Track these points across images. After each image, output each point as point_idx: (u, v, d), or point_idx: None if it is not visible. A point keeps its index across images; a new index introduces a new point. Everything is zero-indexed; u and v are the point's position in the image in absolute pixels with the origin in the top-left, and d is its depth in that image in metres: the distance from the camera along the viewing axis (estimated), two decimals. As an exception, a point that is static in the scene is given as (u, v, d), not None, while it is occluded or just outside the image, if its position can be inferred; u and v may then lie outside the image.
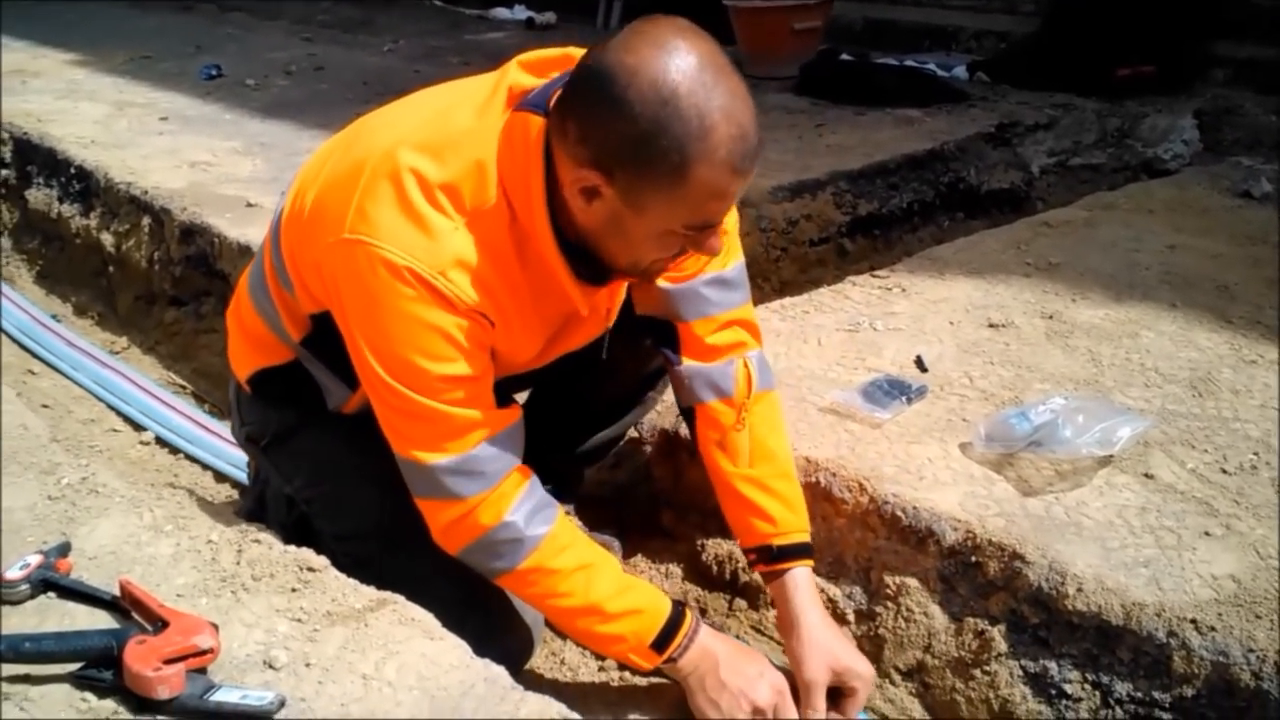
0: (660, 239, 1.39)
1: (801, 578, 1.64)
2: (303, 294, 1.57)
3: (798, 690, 1.57)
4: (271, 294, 1.65)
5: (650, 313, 1.70)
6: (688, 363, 1.70)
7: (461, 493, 1.49)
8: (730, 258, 1.68)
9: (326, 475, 1.74)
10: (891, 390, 1.98)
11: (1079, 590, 1.53)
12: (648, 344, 1.76)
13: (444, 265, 1.39)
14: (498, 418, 1.50)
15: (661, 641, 1.52)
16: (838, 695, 1.59)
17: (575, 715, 1.31)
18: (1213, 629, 1.44)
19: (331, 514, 1.76)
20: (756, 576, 1.86)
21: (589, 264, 1.48)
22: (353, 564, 1.61)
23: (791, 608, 1.62)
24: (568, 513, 2.08)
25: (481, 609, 1.67)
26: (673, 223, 1.36)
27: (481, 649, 1.48)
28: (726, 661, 1.55)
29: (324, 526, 1.76)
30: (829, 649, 1.58)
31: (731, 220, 1.64)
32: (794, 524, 1.66)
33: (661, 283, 1.63)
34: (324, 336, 1.56)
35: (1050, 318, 2.29)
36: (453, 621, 1.53)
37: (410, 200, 1.39)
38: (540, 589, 1.54)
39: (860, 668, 1.59)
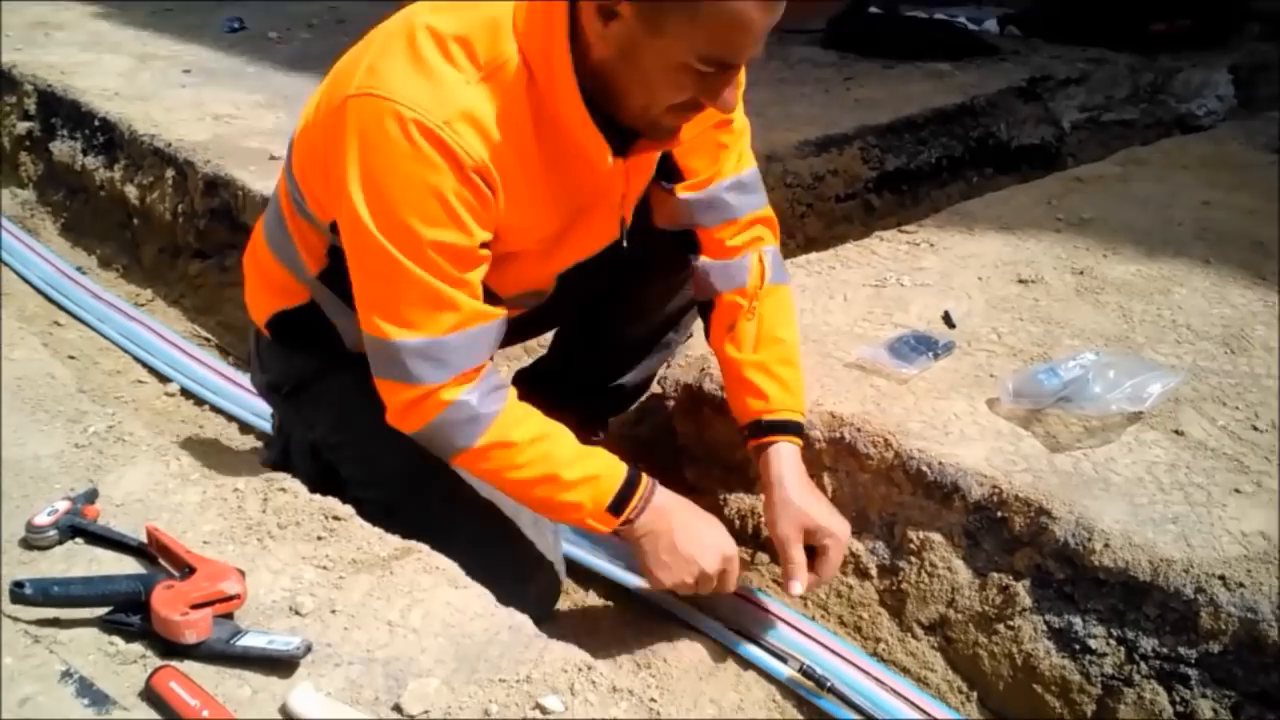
0: (675, 74, 1.35)
1: (785, 449, 1.66)
2: (315, 208, 1.55)
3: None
4: (288, 227, 1.64)
5: (671, 225, 1.72)
6: (705, 260, 1.72)
7: (423, 378, 1.46)
8: (744, 163, 1.71)
9: (349, 422, 1.73)
10: (918, 346, 1.96)
11: (1106, 546, 1.51)
12: (666, 282, 1.77)
13: (450, 116, 1.35)
14: (478, 310, 1.47)
15: (618, 505, 1.52)
16: (814, 555, 1.61)
17: (599, 663, 1.32)
18: (1241, 585, 1.43)
19: (356, 461, 1.76)
20: (779, 531, 1.86)
21: (605, 129, 1.44)
22: (379, 511, 1.62)
23: (770, 473, 1.64)
24: None
25: (509, 552, 1.68)
26: (689, 53, 1.31)
27: (511, 591, 1.49)
28: (681, 527, 1.55)
29: (349, 474, 1.76)
30: (801, 508, 1.61)
31: (741, 120, 1.69)
32: (787, 403, 1.69)
33: (682, 193, 1.65)
34: (341, 268, 1.54)
35: (1081, 273, 2.26)
36: (481, 565, 1.54)
37: (422, 53, 1.37)
38: (498, 463, 1.52)
39: (833, 526, 1.61)
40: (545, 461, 1.51)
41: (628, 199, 1.64)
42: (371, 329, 1.47)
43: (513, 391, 1.55)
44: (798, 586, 1.58)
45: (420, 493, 1.67)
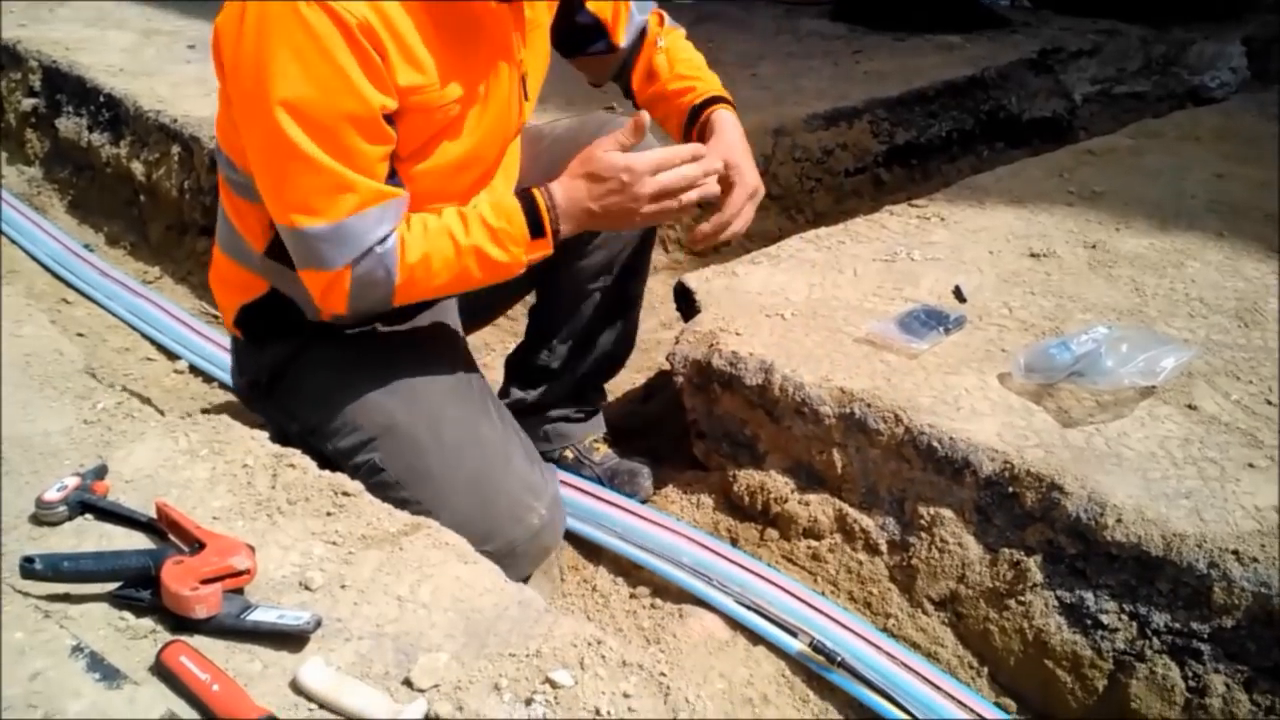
0: None
1: (724, 113, 1.82)
2: (243, 163, 1.59)
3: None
4: (230, 216, 1.69)
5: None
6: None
7: (333, 262, 1.52)
8: None
9: (325, 396, 1.76)
10: (929, 320, 1.94)
11: (1118, 521, 1.50)
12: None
13: None
14: (377, 191, 1.51)
15: (537, 228, 1.59)
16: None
17: (608, 637, 1.32)
18: (1255, 560, 1.42)
19: (339, 432, 1.77)
20: (788, 507, 1.86)
21: None
22: (367, 476, 1.66)
23: (710, 126, 1.79)
24: (596, 439, 2.09)
25: (499, 493, 1.71)
26: None
27: (515, 523, 1.59)
28: (587, 193, 1.60)
29: (337, 447, 1.78)
30: (731, 145, 1.76)
31: None
32: (715, 86, 1.87)
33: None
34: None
35: (1093, 247, 2.24)
36: (481, 500, 1.62)
37: None
38: (423, 284, 1.58)
39: (746, 172, 1.75)
40: (457, 249, 1.56)
41: (526, 62, 1.69)
42: (282, 221, 1.52)
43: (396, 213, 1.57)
44: (646, 117, 1.62)
45: (402, 449, 1.70)
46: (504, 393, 2.16)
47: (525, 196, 1.60)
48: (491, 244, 1.57)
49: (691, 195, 1.64)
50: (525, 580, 1.72)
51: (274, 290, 1.71)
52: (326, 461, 1.78)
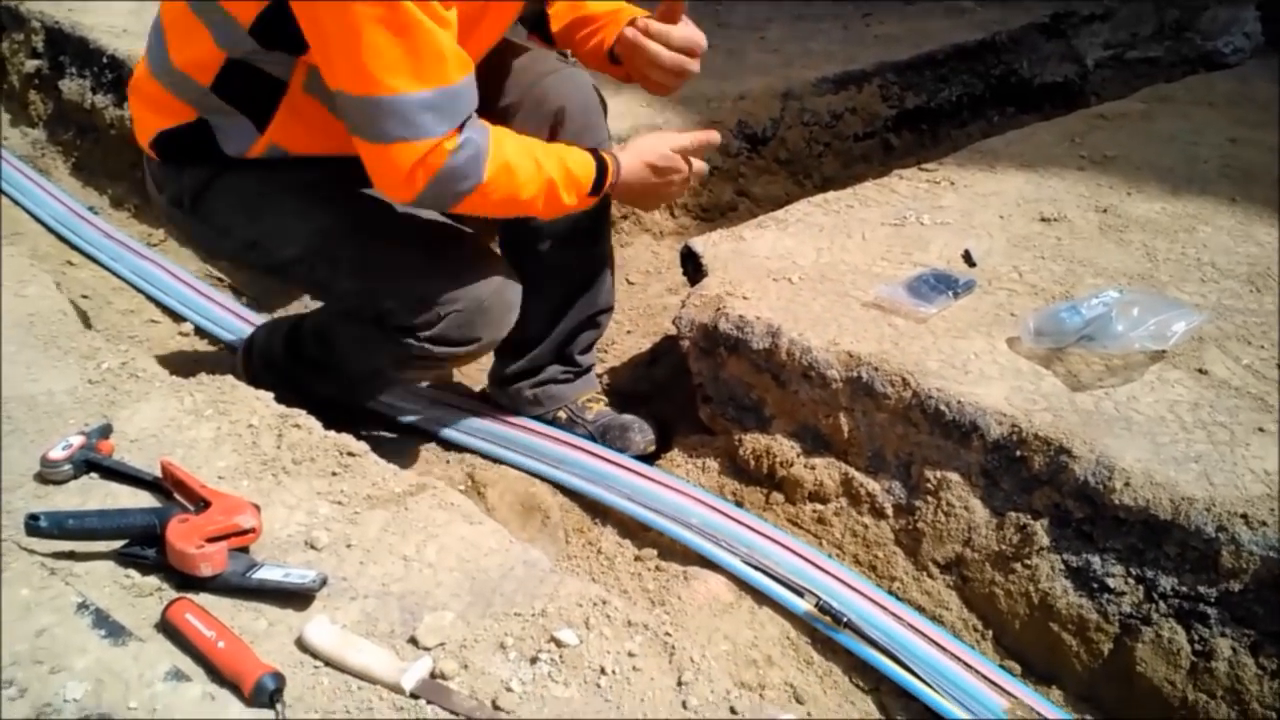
0: None
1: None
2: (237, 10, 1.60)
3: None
4: (176, 47, 1.70)
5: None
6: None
7: (430, 131, 1.53)
8: None
9: (262, 212, 1.78)
10: (938, 285, 1.93)
11: (1126, 485, 1.50)
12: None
13: None
14: (465, 58, 1.56)
15: (597, 188, 1.75)
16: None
17: (614, 598, 1.32)
18: (1264, 524, 1.41)
19: (283, 243, 1.79)
20: (794, 471, 1.86)
21: None
22: (318, 279, 1.77)
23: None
24: (590, 398, 2.15)
25: (463, 252, 1.83)
26: None
27: (473, 288, 1.72)
28: (643, 178, 1.82)
29: (282, 259, 1.81)
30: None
31: None
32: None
33: None
34: (234, 75, 1.65)
35: (1104, 211, 2.22)
36: (442, 272, 1.73)
37: None
38: (504, 191, 1.65)
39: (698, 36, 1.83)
40: (538, 174, 1.66)
41: None
42: (381, 89, 1.50)
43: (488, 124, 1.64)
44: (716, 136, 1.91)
45: (360, 232, 1.76)
46: (492, 368, 2.17)
47: (599, 158, 1.75)
48: (564, 183, 1.69)
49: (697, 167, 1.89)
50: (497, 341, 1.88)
51: (202, 121, 1.73)
52: (275, 270, 1.88)
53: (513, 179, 1.63)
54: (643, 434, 2.07)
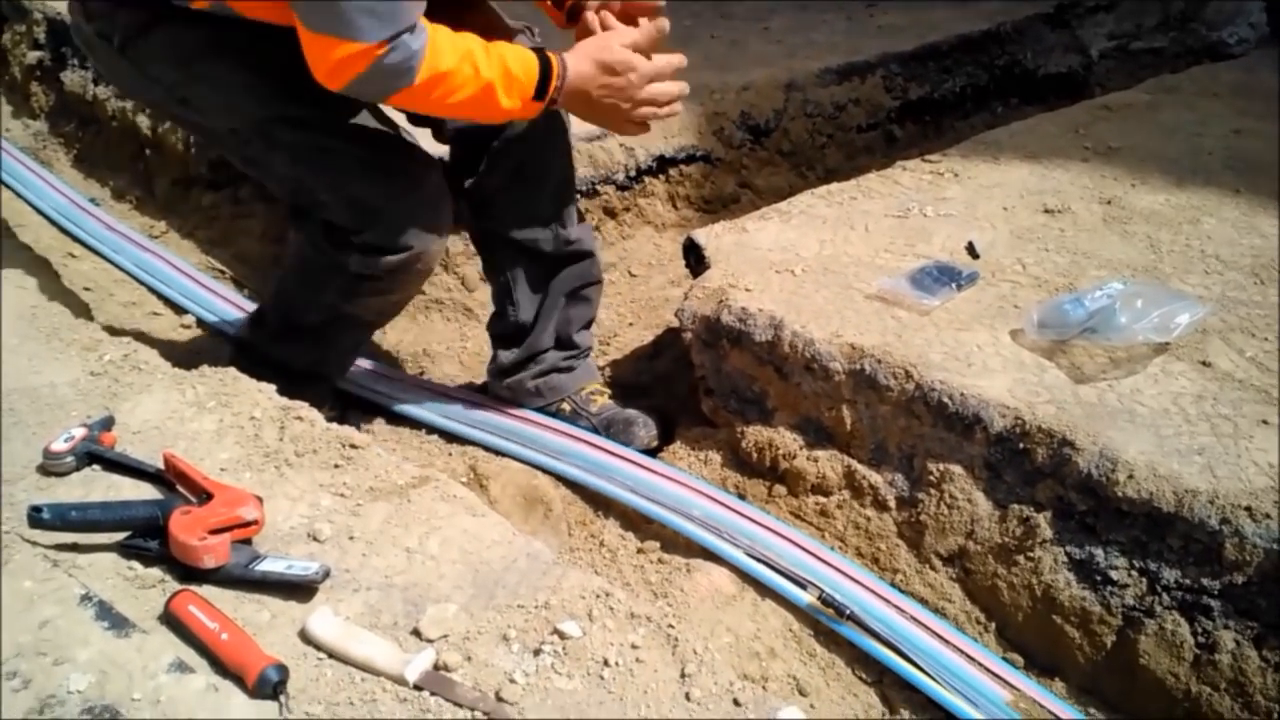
0: None
1: None
2: None
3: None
4: None
5: None
6: None
7: (369, 35, 1.51)
8: None
9: (199, 68, 1.74)
10: (941, 277, 1.92)
11: (1130, 477, 1.50)
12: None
13: None
14: None
15: (540, 92, 1.67)
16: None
17: (617, 590, 1.32)
18: (1268, 516, 1.41)
19: (215, 108, 1.77)
20: (797, 463, 1.86)
21: None
22: (252, 160, 1.77)
23: None
24: (593, 390, 2.15)
25: (398, 156, 1.81)
26: None
27: (407, 194, 1.71)
28: (596, 80, 1.71)
29: (211, 124, 1.79)
30: None
31: None
32: None
33: None
34: None
35: (1108, 203, 2.21)
36: (363, 194, 1.71)
37: None
38: (436, 94, 1.61)
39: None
40: (477, 78, 1.61)
41: None
42: None
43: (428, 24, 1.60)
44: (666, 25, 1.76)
45: (306, 123, 1.73)
46: (492, 360, 2.16)
47: (543, 59, 1.67)
48: (503, 86, 1.63)
49: (675, 108, 1.81)
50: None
51: None
52: (199, 130, 1.88)
53: (447, 83, 1.60)
54: (646, 429, 2.07)
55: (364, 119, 1.79)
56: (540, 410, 2.13)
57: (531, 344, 2.08)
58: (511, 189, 1.98)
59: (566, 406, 2.12)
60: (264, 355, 1.96)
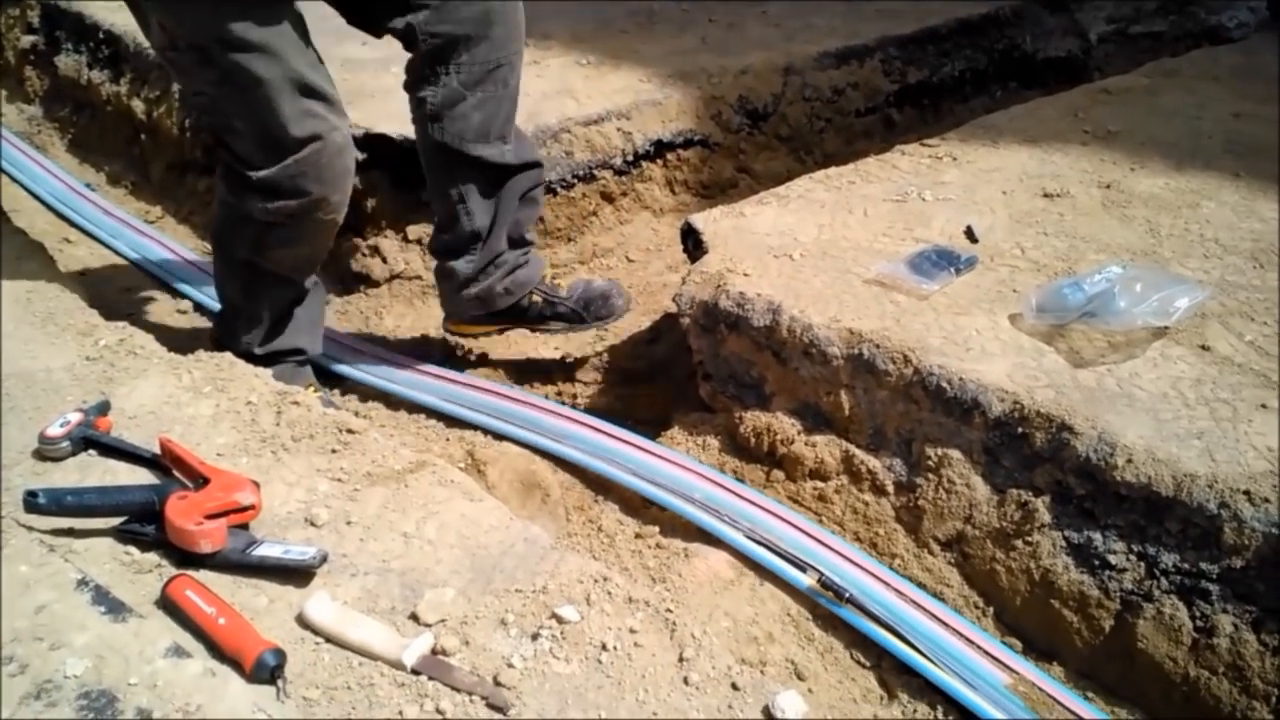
0: None
1: None
2: None
3: None
4: None
5: None
6: None
7: None
8: None
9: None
10: (940, 261, 1.92)
11: (1129, 461, 1.49)
12: None
13: None
14: None
15: None
16: None
17: (615, 575, 1.31)
18: (1266, 500, 1.41)
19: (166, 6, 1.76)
20: (795, 448, 1.85)
21: None
22: (183, 69, 1.78)
23: None
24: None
25: (297, 119, 1.79)
26: None
27: (303, 149, 1.74)
28: None
29: (154, 17, 1.78)
30: None
31: None
32: None
33: None
34: None
35: (1108, 187, 2.20)
36: (279, 121, 1.74)
37: None
38: None
39: None
40: None
41: None
42: None
43: None
44: None
45: (253, 45, 1.73)
46: (446, 277, 2.18)
47: None
48: None
49: None
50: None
51: None
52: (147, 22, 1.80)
53: None
54: (621, 297, 2.15)
55: (302, 57, 1.80)
56: (511, 310, 2.19)
57: (489, 248, 2.11)
58: (476, 103, 1.97)
59: (537, 298, 2.17)
60: (230, 345, 1.98)
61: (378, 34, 2.00)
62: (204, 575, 1.25)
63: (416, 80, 2.00)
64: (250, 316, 2.00)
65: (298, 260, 1.99)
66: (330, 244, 2.05)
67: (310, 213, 1.87)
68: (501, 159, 2.05)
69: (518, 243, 2.15)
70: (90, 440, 1.45)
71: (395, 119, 2.41)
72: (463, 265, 2.13)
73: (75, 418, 1.46)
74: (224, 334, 2.05)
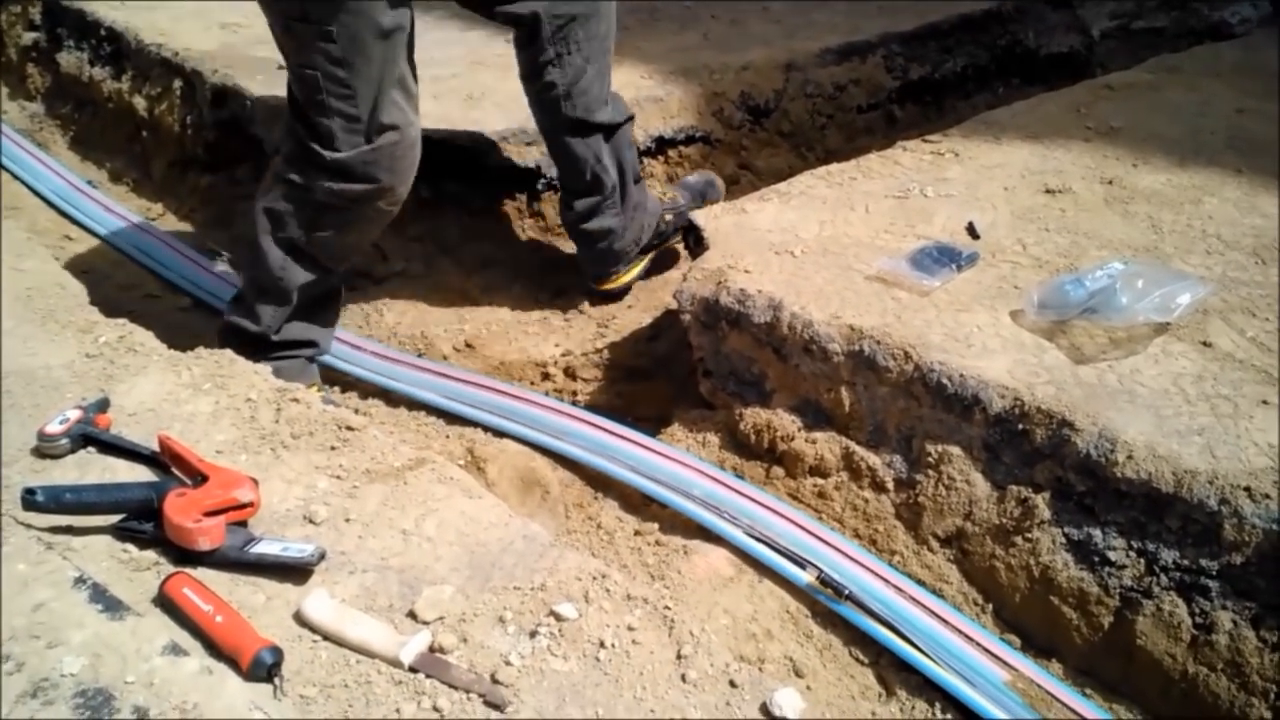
0: None
1: None
2: None
3: None
4: None
5: None
6: None
7: None
8: None
9: None
10: (941, 257, 1.91)
11: (1129, 457, 1.49)
12: None
13: None
14: None
15: None
16: None
17: (614, 572, 1.31)
18: (1267, 496, 1.40)
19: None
20: (795, 445, 1.85)
21: None
22: (301, 40, 1.82)
23: None
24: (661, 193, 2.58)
25: (394, 103, 1.89)
26: None
27: (383, 138, 1.85)
28: None
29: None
30: None
31: None
32: None
33: None
34: None
35: (1110, 183, 2.20)
36: (369, 108, 1.83)
37: None
38: None
39: None
40: None
41: None
42: None
43: None
44: None
45: (368, 33, 1.81)
46: (594, 235, 2.40)
47: None
48: None
49: None
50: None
51: None
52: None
53: None
54: (718, 178, 2.58)
55: (408, 51, 1.91)
56: (656, 237, 2.49)
57: (628, 197, 2.38)
58: (595, 74, 2.20)
59: (668, 215, 2.49)
60: (242, 329, 2.01)
61: (491, 16, 2.17)
62: (202, 573, 1.25)
63: (539, 66, 2.17)
64: (279, 297, 2.03)
65: (343, 247, 2.05)
66: (374, 239, 2.13)
67: (372, 200, 1.95)
68: (614, 118, 2.29)
69: (637, 180, 2.41)
70: (89, 437, 1.45)
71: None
72: (610, 219, 2.36)
73: (74, 415, 1.46)
74: (243, 315, 2.05)
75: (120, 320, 1.84)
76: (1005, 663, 1.54)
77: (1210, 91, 2.72)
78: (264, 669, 1.12)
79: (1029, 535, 1.60)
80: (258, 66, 2.94)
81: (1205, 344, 1.69)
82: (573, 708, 1.14)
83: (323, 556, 1.28)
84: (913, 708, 1.52)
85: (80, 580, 1.22)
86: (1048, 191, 2.18)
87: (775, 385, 1.90)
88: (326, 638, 1.19)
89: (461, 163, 2.61)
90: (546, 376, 2.35)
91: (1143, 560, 1.50)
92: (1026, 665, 1.54)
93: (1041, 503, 1.59)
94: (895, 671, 1.57)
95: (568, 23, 2.11)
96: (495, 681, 1.15)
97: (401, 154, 1.93)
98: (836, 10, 3.52)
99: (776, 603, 1.65)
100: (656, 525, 1.82)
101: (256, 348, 1.97)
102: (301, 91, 1.88)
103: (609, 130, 2.28)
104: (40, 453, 1.44)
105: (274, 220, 1.97)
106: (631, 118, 2.37)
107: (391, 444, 1.56)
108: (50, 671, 1.11)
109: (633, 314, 2.53)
